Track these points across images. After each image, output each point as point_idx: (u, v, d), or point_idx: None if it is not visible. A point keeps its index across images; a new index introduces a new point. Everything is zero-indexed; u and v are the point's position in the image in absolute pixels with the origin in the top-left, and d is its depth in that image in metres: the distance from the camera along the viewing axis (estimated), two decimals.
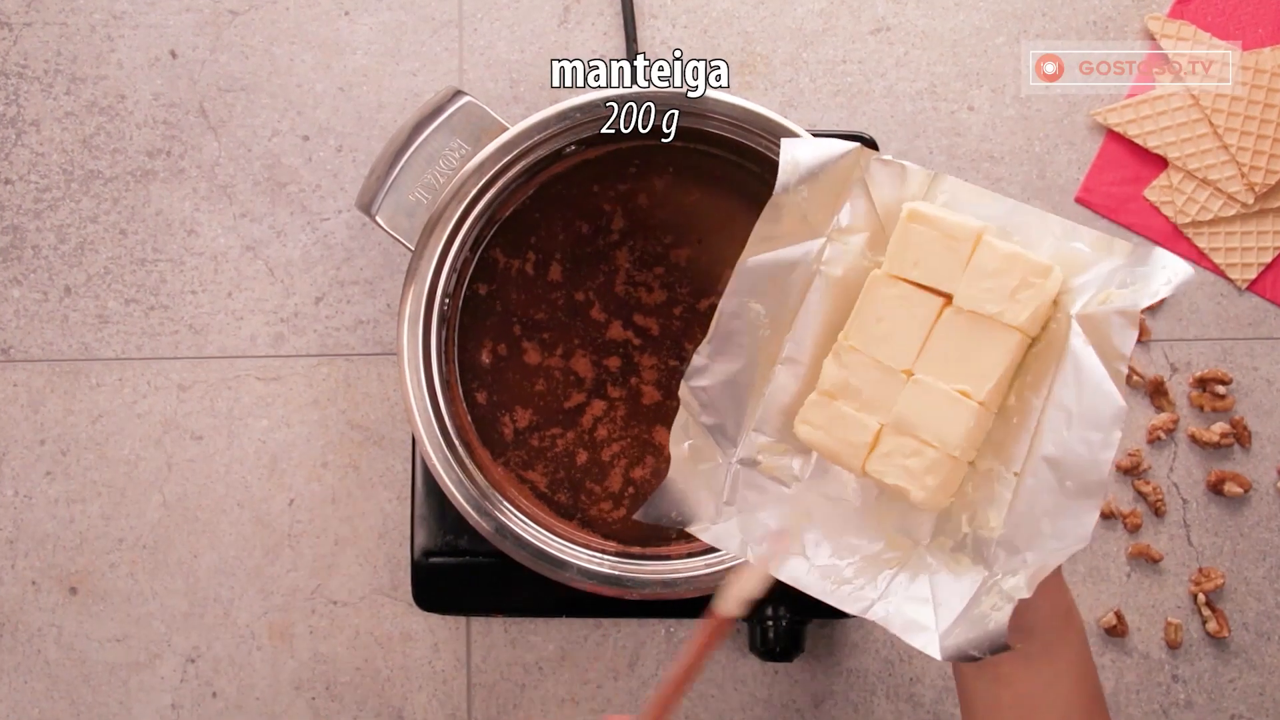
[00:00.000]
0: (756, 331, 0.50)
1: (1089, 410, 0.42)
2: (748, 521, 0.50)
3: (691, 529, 0.51)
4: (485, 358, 0.59)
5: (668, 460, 0.51)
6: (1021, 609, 0.41)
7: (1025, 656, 0.44)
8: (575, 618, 0.66)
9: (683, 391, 0.51)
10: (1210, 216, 0.68)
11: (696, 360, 0.50)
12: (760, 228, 0.49)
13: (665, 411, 0.59)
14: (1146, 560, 0.67)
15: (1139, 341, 0.68)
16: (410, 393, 0.56)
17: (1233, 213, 0.68)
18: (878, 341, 0.47)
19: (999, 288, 0.44)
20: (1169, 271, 0.42)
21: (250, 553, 0.67)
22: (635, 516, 0.51)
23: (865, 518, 0.49)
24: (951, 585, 0.45)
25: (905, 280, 0.46)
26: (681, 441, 0.51)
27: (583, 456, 0.59)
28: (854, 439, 0.47)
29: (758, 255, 0.50)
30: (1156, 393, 0.68)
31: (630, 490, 0.59)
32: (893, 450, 0.46)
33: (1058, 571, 0.43)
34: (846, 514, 0.49)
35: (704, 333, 0.50)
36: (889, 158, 0.48)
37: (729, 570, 0.53)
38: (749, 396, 0.51)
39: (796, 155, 0.49)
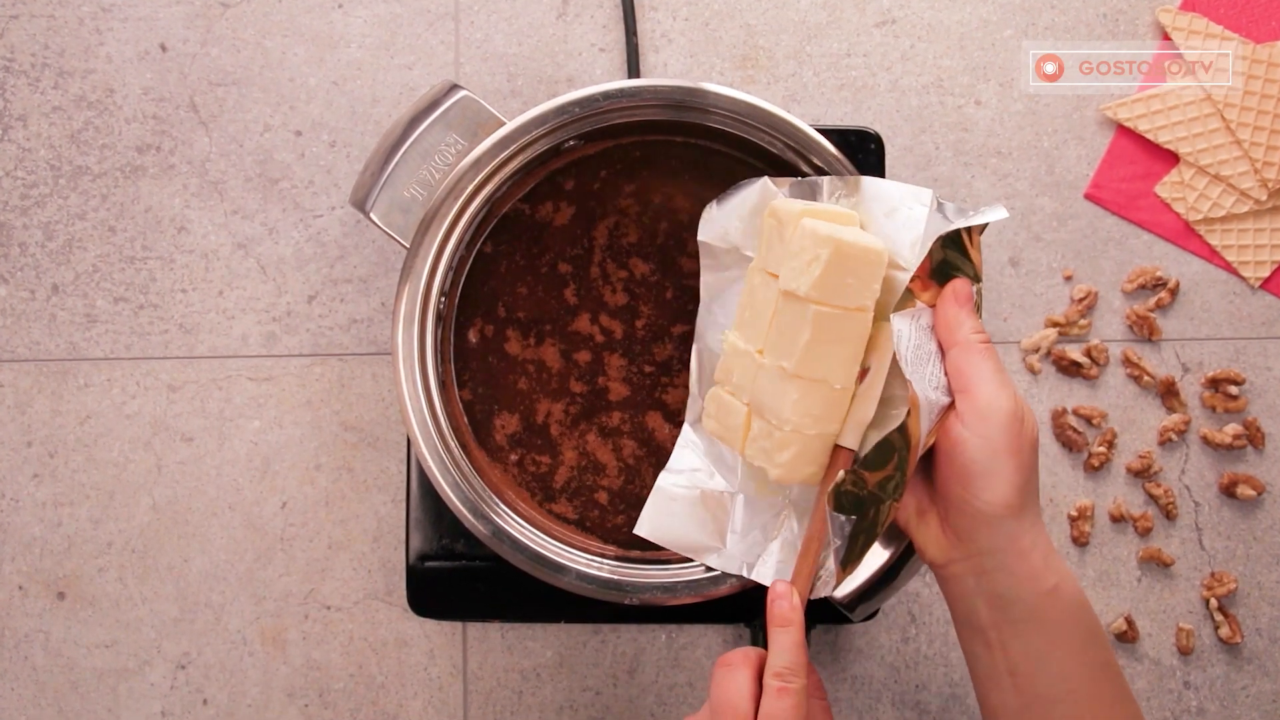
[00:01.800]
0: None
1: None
2: (748, 543, 0.53)
3: (696, 556, 0.54)
4: (473, 337, 0.58)
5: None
6: (997, 579, 0.44)
7: (1011, 622, 0.44)
8: (574, 623, 0.65)
9: (687, 431, 0.55)
10: (1222, 213, 0.67)
11: (693, 400, 0.55)
12: (703, 266, 0.54)
13: (670, 414, 0.58)
14: (1158, 564, 0.66)
15: (1150, 340, 0.67)
16: (405, 393, 0.54)
17: (1245, 209, 0.67)
18: (745, 327, 0.50)
19: (800, 264, 0.46)
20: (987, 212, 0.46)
21: (242, 557, 0.66)
22: (636, 531, 0.54)
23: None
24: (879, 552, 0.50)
25: (764, 270, 0.49)
26: (682, 465, 0.54)
27: (583, 459, 0.58)
28: (732, 422, 0.50)
29: (708, 293, 0.55)
30: (1168, 393, 0.66)
31: (631, 491, 0.58)
32: (758, 434, 0.49)
33: (1032, 538, 0.44)
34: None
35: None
36: (798, 179, 0.51)
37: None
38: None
39: (711, 213, 0.53)
